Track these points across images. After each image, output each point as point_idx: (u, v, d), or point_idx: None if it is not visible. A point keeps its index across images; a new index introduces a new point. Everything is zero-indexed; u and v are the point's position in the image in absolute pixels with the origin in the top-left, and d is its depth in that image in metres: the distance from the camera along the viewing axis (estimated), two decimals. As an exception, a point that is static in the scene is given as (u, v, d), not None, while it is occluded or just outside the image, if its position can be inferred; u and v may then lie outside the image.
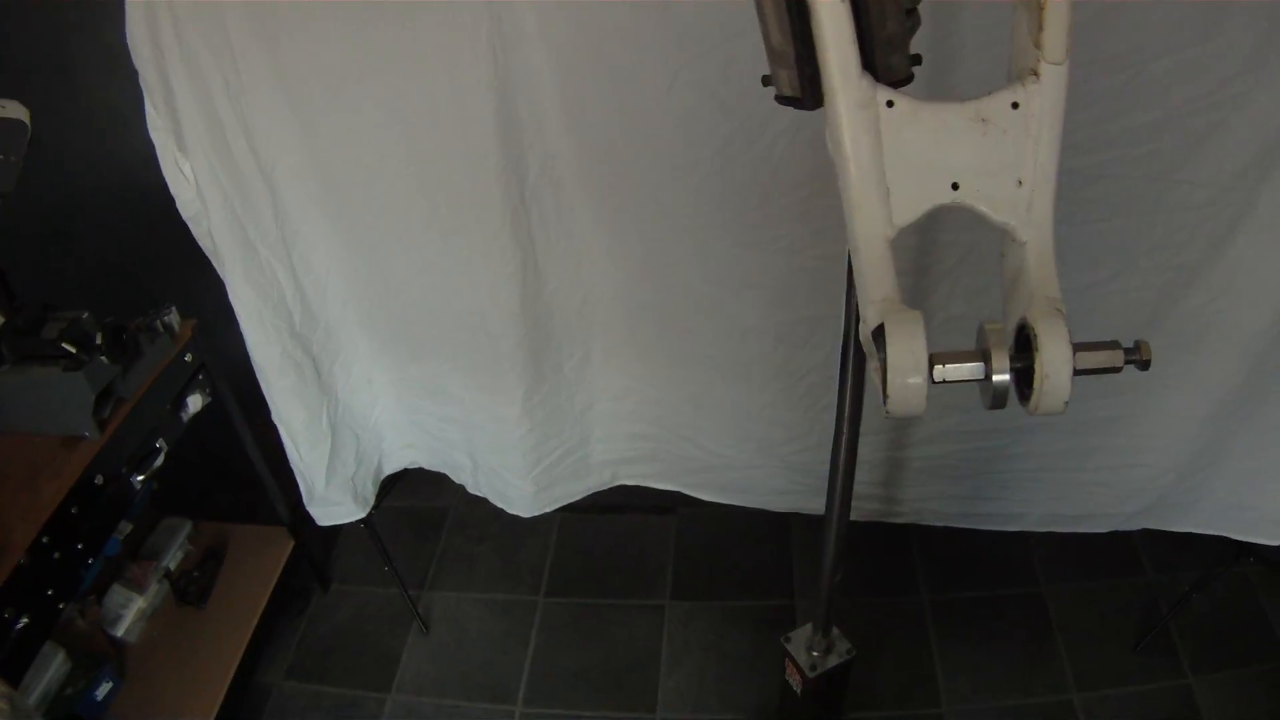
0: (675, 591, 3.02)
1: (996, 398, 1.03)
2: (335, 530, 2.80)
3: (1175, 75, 1.66)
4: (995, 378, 1.03)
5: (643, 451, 2.74)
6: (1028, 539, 2.83)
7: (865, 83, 0.99)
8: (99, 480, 2.04)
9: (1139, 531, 2.62)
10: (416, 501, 3.36)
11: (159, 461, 2.20)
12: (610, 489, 2.86)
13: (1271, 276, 1.93)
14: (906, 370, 0.98)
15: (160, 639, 2.70)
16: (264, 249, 2.17)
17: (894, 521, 2.84)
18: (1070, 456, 2.46)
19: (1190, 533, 2.52)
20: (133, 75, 1.91)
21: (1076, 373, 0.99)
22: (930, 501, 2.74)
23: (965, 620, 2.84)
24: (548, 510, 2.76)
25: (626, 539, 3.21)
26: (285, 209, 2.14)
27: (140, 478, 2.15)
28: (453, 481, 2.88)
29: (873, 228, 1.05)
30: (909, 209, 1.05)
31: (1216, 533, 2.46)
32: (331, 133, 2.00)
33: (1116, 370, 1.05)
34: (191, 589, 2.78)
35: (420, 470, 2.92)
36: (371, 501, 2.76)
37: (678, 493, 2.86)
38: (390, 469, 2.86)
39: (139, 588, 2.71)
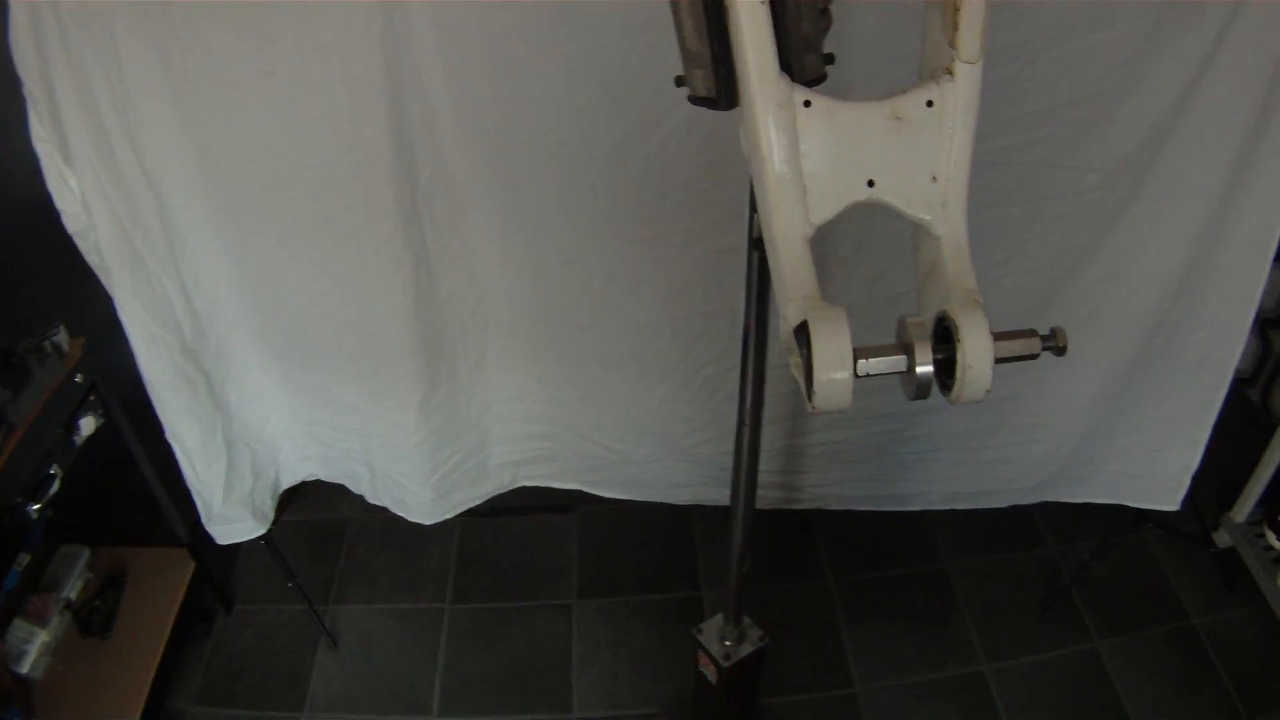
0: (581, 590, 3.02)
1: (920, 389, 1.04)
2: (235, 549, 2.73)
3: (1065, 65, 1.71)
4: (919, 369, 1.03)
5: (542, 452, 2.71)
6: (929, 518, 2.89)
7: (783, 83, 0.99)
8: (-7, 512, 1.96)
9: (1038, 504, 2.68)
10: (316, 514, 3.30)
11: (54, 488, 2.13)
12: (510, 491, 2.82)
13: (1156, 258, 2.00)
14: (832, 366, 0.98)
15: (66, 673, 2.61)
16: (152, 263, 2.09)
17: (795, 508, 2.86)
18: (968, 436, 2.51)
19: (1088, 503, 2.59)
20: (17, 83, 1.82)
21: (996, 361, 1.00)
22: (831, 486, 2.77)
23: (872, 601, 2.90)
24: (448, 516, 2.71)
25: (529, 540, 3.21)
26: (173, 221, 2.06)
27: (36, 506, 2.08)
28: (351, 492, 2.81)
29: (791, 228, 1.05)
30: (826, 207, 1.05)
31: (1113, 501, 2.53)
32: (220, 141, 1.93)
33: (1034, 357, 1.07)
34: (94, 619, 2.69)
35: (318, 482, 2.84)
36: (271, 517, 2.68)
37: (578, 491, 2.84)
38: (288, 482, 2.78)
39: (41, 621, 2.60)
